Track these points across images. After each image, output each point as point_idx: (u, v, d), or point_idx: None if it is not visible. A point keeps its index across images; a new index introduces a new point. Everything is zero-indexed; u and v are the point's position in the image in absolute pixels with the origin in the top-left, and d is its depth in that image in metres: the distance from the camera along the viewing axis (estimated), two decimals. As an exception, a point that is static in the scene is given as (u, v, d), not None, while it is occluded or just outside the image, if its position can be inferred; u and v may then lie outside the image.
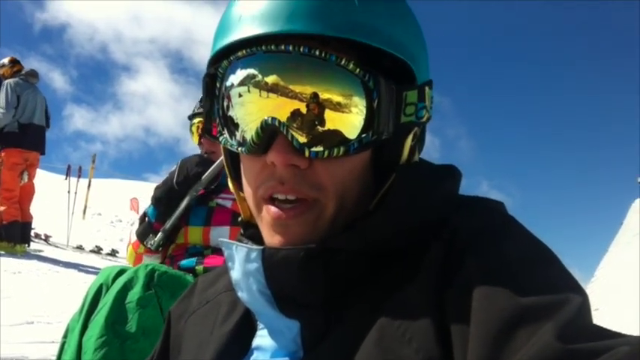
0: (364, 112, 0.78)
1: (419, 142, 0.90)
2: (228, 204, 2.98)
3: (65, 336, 2.64)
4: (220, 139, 0.87)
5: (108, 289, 2.59)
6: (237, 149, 0.83)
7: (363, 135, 0.79)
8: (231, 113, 0.83)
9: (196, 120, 3.22)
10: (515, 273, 0.70)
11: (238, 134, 0.83)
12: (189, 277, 2.74)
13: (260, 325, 0.89)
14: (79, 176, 13.43)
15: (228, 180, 0.99)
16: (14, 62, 9.02)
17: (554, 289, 0.68)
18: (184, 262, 2.90)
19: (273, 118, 0.77)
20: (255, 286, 0.82)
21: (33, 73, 9.10)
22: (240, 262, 0.83)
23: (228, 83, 0.82)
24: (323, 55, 0.76)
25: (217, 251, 2.90)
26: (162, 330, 1.09)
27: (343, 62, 0.76)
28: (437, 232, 0.79)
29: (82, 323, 2.53)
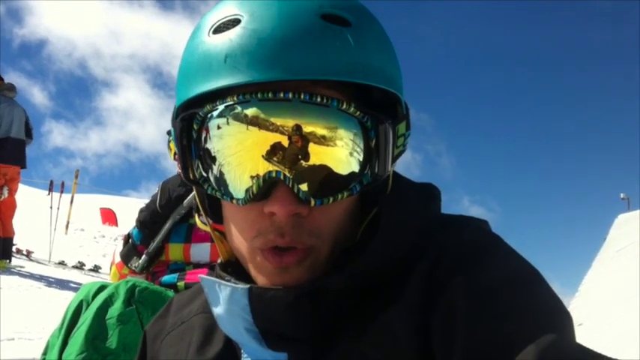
0: (362, 152, 0.77)
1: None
2: None
3: (45, 353, 2.62)
4: (205, 186, 0.81)
5: (88, 305, 2.58)
6: (230, 201, 0.79)
7: (363, 175, 0.78)
8: (209, 147, 0.79)
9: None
10: (499, 296, 0.70)
11: (216, 169, 0.79)
12: (171, 293, 2.73)
13: (244, 355, 0.88)
14: (62, 192, 13.33)
15: (201, 218, 0.95)
16: None
17: (538, 311, 0.69)
18: (166, 278, 2.90)
19: (278, 172, 0.73)
20: (242, 324, 0.80)
21: (10, 87, 9.01)
22: (224, 301, 0.81)
23: (224, 130, 0.76)
24: (325, 101, 0.73)
25: (199, 267, 2.90)
26: (139, 350, 1.08)
27: (344, 107, 0.73)
28: (422, 253, 0.79)
29: (62, 339, 2.51)
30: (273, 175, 0.74)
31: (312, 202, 0.75)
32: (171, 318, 1.04)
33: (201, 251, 2.93)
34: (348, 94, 0.77)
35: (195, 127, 0.79)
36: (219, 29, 0.77)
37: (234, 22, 0.75)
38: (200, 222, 0.95)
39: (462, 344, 0.67)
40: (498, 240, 0.81)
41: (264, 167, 0.75)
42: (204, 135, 0.79)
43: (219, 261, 0.95)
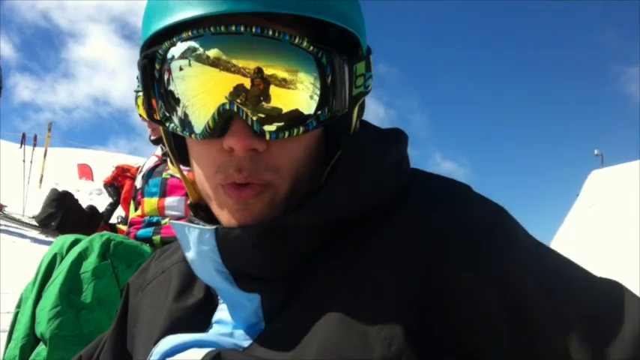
0: (319, 88, 0.77)
1: (360, 106, 0.88)
2: None
3: (18, 306, 2.61)
4: (167, 124, 0.82)
5: (62, 258, 2.56)
6: (189, 136, 0.79)
7: (319, 112, 0.77)
8: (172, 88, 0.79)
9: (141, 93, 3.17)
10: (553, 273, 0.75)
11: (179, 110, 0.79)
12: (146, 247, 2.73)
13: (221, 300, 0.88)
14: (35, 145, 13.17)
15: (171, 163, 0.94)
16: None
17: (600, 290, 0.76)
18: (141, 232, 2.90)
19: (232, 103, 0.74)
20: (212, 265, 0.81)
21: None
22: (194, 243, 0.82)
23: (179, 63, 0.77)
24: (277, 34, 0.72)
25: (175, 220, 2.88)
26: (121, 302, 1.07)
27: (297, 41, 0.73)
28: (403, 204, 0.80)
29: (36, 293, 2.51)
30: (227, 107, 0.74)
31: (267, 136, 0.75)
32: (152, 269, 1.05)
33: (175, 204, 2.93)
34: (305, 32, 0.76)
35: (157, 66, 0.80)
36: None
37: None
38: (170, 165, 0.95)
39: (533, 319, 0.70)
40: (508, 215, 0.82)
41: (220, 102, 0.75)
42: (166, 75, 0.79)
43: (188, 202, 0.96)
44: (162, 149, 3.16)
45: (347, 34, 0.79)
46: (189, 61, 0.75)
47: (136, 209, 3.14)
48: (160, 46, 0.77)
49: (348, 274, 0.76)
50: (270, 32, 0.72)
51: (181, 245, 0.87)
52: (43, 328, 2.36)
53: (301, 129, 0.76)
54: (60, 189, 4.36)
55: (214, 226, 0.79)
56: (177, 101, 0.79)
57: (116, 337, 1.04)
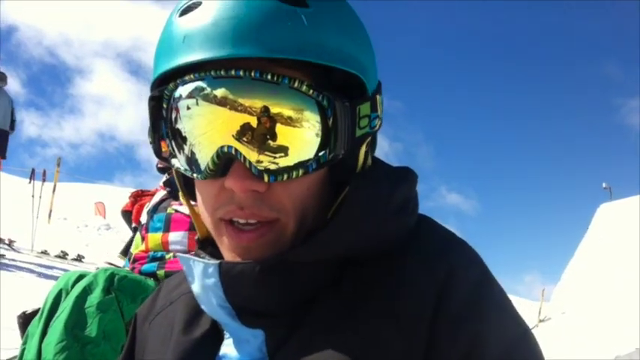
0: (320, 131, 0.77)
1: (371, 144, 0.88)
2: (187, 210, 2.97)
3: (25, 342, 2.61)
4: (173, 162, 0.84)
5: (67, 293, 2.57)
6: (192, 175, 0.81)
7: (320, 154, 0.78)
8: (179, 126, 0.80)
9: None
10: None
11: (186, 149, 0.80)
12: (150, 282, 2.75)
13: (227, 334, 0.88)
14: (44, 180, 13.23)
15: (181, 197, 0.97)
16: None
17: None
18: (145, 267, 2.92)
19: (230, 147, 0.75)
20: (215, 300, 0.82)
21: (1, 76, 8.91)
22: (199, 277, 0.83)
23: (180, 104, 0.79)
24: (275, 78, 0.73)
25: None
26: (129, 332, 1.08)
27: (296, 84, 0.74)
28: (405, 249, 0.81)
29: (42, 328, 2.51)
30: (225, 150, 0.75)
31: (266, 178, 0.75)
32: (160, 300, 1.05)
33: (179, 239, 2.95)
34: (310, 75, 0.77)
35: (164, 105, 0.81)
36: (184, 11, 0.79)
37: (197, 5, 0.77)
38: (182, 199, 0.97)
39: None
40: (500, 290, 0.83)
41: (222, 144, 0.76)
42: (173, 114, 0.80)
43: (196, 237, 0.97)
44: (167, 177, 3.19)
45: (351, 75, 0.79)
46: (197, 100, 0.77)
47: (139, 245, 3.16)
48: (166, 87, 0.79)
49: (353, 316, 0.77)
50: (269, 76, 0.73)
51: (188, 278, 0.87)
52: (48, 362, 2.36)
53: (300, 171, 0.76)
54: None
55: (218, 261, 0.80)
56: (184, 139, 0.80)
57: None
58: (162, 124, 0.83)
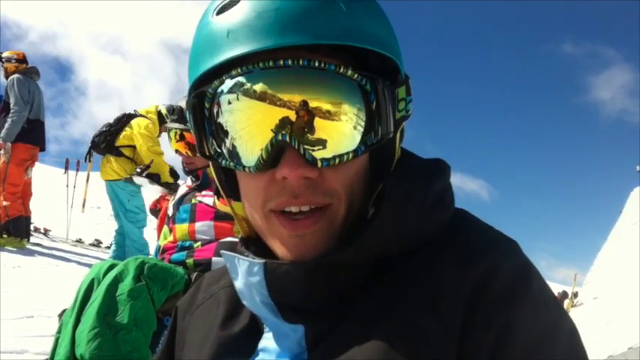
0: (364, 115, 0.79)
1: (401, 133, 0.90)
2: (210, 201, 3.04)
3: (59, 331, 2.67)
4: (220, 160, 0.84)
5: (99, 283, 2.63)
6: (242, 169, 0.82)
7: (367, 137, 0.80)
8: (221, 121, 0.81)
9: (175, 125, 3.24)
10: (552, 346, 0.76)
11: (228, 142, 0.82)
12: (180, 270, 2.79)
13: (266, 328, 0.90)
14: (78, 170, 13.38)
15: (224, 199, 0.97)
16: (22, 60, 8.94)
17: None
18: (175, 256, 2.98)
19: (284, 134, 0.76)
20: (258, 297, 0.84)
21: (36, 71, 9.01)
22: (243, 274, 0.85)
23: (231, 99, 0.80)
24: (322, 65, 0.75)
25: (206, 244, 2.95)
26: (170, 324, 1.11)
27: (342, 70, 0.76)
28: (444, 246, 0.83)
29: (75, 317, 2.58)
30: (279, 137, 0.76)
31: (320, 164, 0.78)
32: (201, 293, 1.08)
33: (205, 229, 3.00)
34: (346, 61, 0.79)
35: (206, 105, 0.82)
36: (222, 10, 0.80)
37: (235, 3, 0.79)
38: (219, 203, 0.99)
39: None
40: (540, 283, 0.82)
41: (271, 136, 0.78)
42: (215, 111, 0.82)
43: (239, 237, 0.99)
44: (192, 180, 3.25)
45: (386, 60, 0.82)
46: (238, 95, 0.78)
47: (167, 236, 3.22)
48: (210, 85, 0.81)
49: (392, 310, 0.78)
50: (317, 63, 0.75)
51: (231, 275, 0.90)
52: (82, 349, 2.42)
53: (351, 155, 0.79)
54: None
55: (263, 260, 0.82)
56: (226, 134, 0.81)
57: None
58: (205, 124, 0.84)
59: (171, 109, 3.18)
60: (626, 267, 10.98)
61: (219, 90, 0.80)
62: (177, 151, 3.23)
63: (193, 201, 3.09)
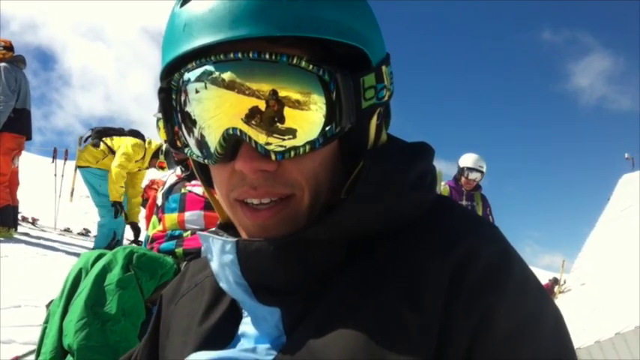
0: (324, 105, 0.77)
1: (385, 117, 0.89)
2: (200, 190, 3.04)
3: (47, 321, 2.66)
4: (186, 151, 0.85)
5: (87, 272, 2.62)
6: (203, 161, 0.83)
7: (327, 128, 0.78)
8: (188, 109, 0.81)
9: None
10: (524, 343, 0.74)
11: (196, 132, 0.82)
12: (169, 259, 2.79)
13: (245, 313, 0.90)
14: (66, 159, 13.32)
15: (201, 186, 0.98)
16: (9, 48, 8.86)
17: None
18: (164, 246, 2.97)
19: (234, 128, 0.76)
20: (232, 277, 0.83)
21: (22, 60, 8.93)
22: (217, 254, 0.85)
23: (187, 93, 0.80)
24: (273, 57, 0.74)
25: (196, 233, 2.94)
26: (155, 313, 1.10)
27: (295, 61, 0.75)
28: (425, 230, 0.81)
29: (63, 307, 2.57)
30: (231, 132, 0.76)
31: (273, 157, 0.77)
32: (186, 282, 1.08)
33: (194, 218, 3.00)
34: (310, 52, 0.78)
35: (173, 96, 0.83)
36: (184, 2, 0.81)
37: None
38: (202, 186, 0.99)
39: None
40: (522, 268, 0.82)
41: (228, 126, 0.78)
42: (182, 97, 0.82)
43: (218, 222, 0.99)
44: (181, 170, 3.24)
45: (355, 49, 0.80)
46: (205, 83, 0.78)
47: (156, 225, 3.21)
48: (172, 77, 0.81)
49: (371, 297, 0.77)
50: (267, 55, 0.74)
51: (207, 257, 0.90)
52: (70, 339, 2.42)
53: (307, 147, 0.77)
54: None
55: (236, 239, 0.82)
56: (194, 123, 0.81)
57: (149, 348, 1.07)
58: (173, 113, 0.84)
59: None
60: (614, 253, 11.07)
61: (183, 80, 0.80)
62: (166, 140, 3.22)
63: (183, 190, 3.08)
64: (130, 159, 8.26)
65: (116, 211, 8.32)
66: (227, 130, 0.77)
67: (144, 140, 8.55)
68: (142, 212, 9.50)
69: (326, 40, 0.77)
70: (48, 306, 2.79)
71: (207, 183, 0.96)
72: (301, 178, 0.80)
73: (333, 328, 0.76)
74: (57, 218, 11.87)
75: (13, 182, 8.98)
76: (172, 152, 3.27)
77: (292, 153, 0.77)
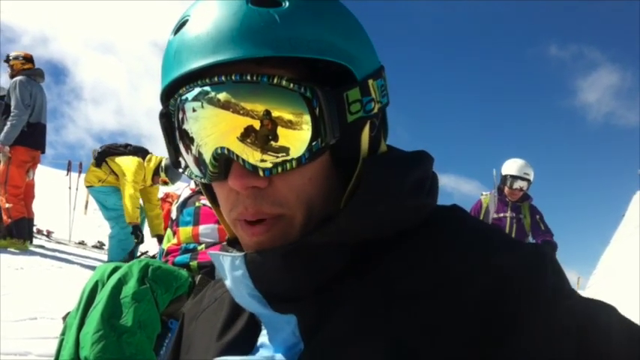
0: (309, 122, 0.79)
1: (382, 128, 0.91)
2: None
3: (63, 333, 2.68)
4: (186, 172, 0.89)
5: (103, 285, 2.64)
6: (201, 180, 0.87)
7: (313, 143, 0.79)
8: (186, 128, 0.84)
9: None
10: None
11: (194, 150, 0.84)
12: (184, 272, 2.81)
13: (263, 326, 0.92)
14: (80, 172, 13.41)
15: (208, 201, 1.01)
16: (29, 60, 8.97)
17: None
18: (179, 259, 3.00)
19: (222, 148, 0.79)
20: (246, 290, 0.85)
21: (40, 73, 9.05)
22: (228, 271, 0.86)
23: (180, 118, 0.84)
24: (255, 78, 0.77)
25: (210, 246, 2.96)
26: (177, 330, 1.13)
27: (275, 81, 0.77)
28: (431, 226, 0.84)
29: (79, 319, 2.58)
30: (219, 151, 0.80)
31: (261, 172, 0.79)
32: (206, 298, 1.10)
33: (209, 232, 3.01)
34: (295, 71, 0.81)
35: (172, 119, 0.87)
36: (176, 31, 0.85)
37: (185, 23, 0.84)
38: (209, 203, 1.01)
39: None
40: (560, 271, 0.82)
41: (216, 145, 0.81)
42: (179, 123, 0.86)
43: (226, 238, 1.01)
44: (195, 183, 3.26)
45: (337, 64, 0.81)
46: (202, 103, 0.81)
47: (171, 239, 3.23)
48: (169, 102, 0.86)
49: (386, 298, 0.78)
50: (249, 77, 0.77)
51: (221, 275, 0.91)
52: (87, 352, 2.43)
53: (294, 162, 0.79)
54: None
55: (242, 253, 0.84)
56: (191, 140, 0.84)
57: None
58: (174, 135, 0.88)
59: None
60: (630, 270, 10.97)
61: (176, 106, 0.84)
62: None
63: (197, 204, 3.10)
64: (138, 182, 8.42)
65: (136, 235, 8.47)
66: (216, 149, 0.80)
67: (145, 157, 8.69)
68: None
69: (308, 58, 0.79)
70: (64, 318, 2.81)
71: (213, 200, 0.98)
72: (291, 195, 0.82)
73: (352, 337, 0.77)
74: (72, 231, 11.93)
75: (28, 195, 9.05)
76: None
77: (280, 169, 0.79)
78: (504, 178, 7.49)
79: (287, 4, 0.80)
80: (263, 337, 0.90)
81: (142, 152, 8.74)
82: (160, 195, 9.16)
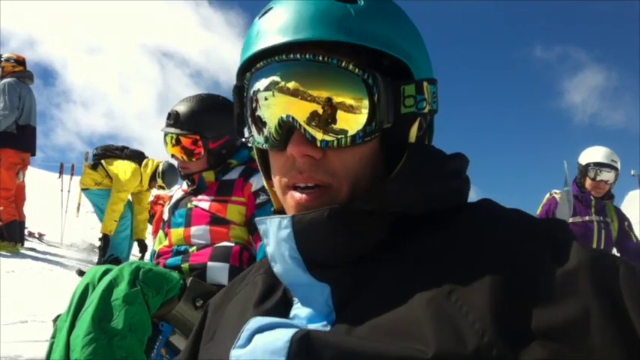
0: (367, 106, 0.89)
1: (428, 132, 1.01)
2: (206, 205, 3.05)
3: (54, 336, 2.66)
4: (250, 139, 1.00)
5: (94, 288, 2.62)
6: (263, 146, 0.96)
7: (368, 126, 0.89)
8: (259, 113, 0.95)
9: (171, 130, 3.19)
10: None
11: (266, 131, 0.94)
12: (175, 274, 2.80)
13: (295, 300, 0.97)
14: (72, 174, 13.39)
15: (263, 178, 1.10)
16: (21, 63, 8.94)
17: None
18: (170, 261, 2.99)
19: (288, 116, 0.89)
20: (287, 252, 0.90)
21: (30, 75, 9.02)
22: (274, 233, 0.93)
23: (255, 89, 0.95)
24: (325, 59, 0.88)
25: (201, 248, 2.95)
26: (197, 322, 1.16)
27: (344, 64, 0.88)
28: (468, 209, 0.91)
29: (70, 322, 2.56)
30: (284, 118, 0.90)
31: (318, 143, 0.89)
32: (237, 287, 1.14)
33: (200, 233, 3.00)
34: (361, 60, 0.90)
35: (245, 93, 0.99)
36: (262, 14, 0.96)
37: (272, 8, 0.95)
38: (262, 179, 1.11)
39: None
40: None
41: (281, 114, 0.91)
42: (253, 104, 0.96)
43: (272, 210, 1.09)
44: (187, 184, 3.24)
45: (401, 63, 0.93)
46: (273, 92, 0.92)
47: (162, 241, 3.22)
48: (245, 76, 0.97)
49: (424, 265, 0.83)
50: (320, 57, 0.88)
51: (265, 241, 0.97)
52: (77, 354, 2.41)
53: (348, 140, 0.89)
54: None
55: (290, 215, 0.91)
56: (264, 124, 0.95)
57: (188, 354, 1.11)
58: (244, 108, 1.00)
59: (168, 115, 3.15)
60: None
61: (254, 85, 0.95)
62: (173, 155, 3.21)
63: (189, 205, 3.09)
64: (128, 190, 8.55)
65: (141, 249, 8.64)
66: (282, 117, 0.90)
67: (141, 162, 8.74)
68: (149, 228, 9.54)
69: (374, 51, 0.90)
70: (55, 321, 2.79)
71: (266, 176, 1.08)
72: (341, 169, 0.91)
73: (388, 305, 0.80)
74: (63, 233, 11.89)
75: (19, 197, 9.02)
76: (179, 168, 3.23)
77: (335, 143, 0.89)
78: (585, 168, 5.76)
79: (362, 2, 0.92)
80: (295, 310, 0.94)
81: (138, 157, 8.79)
82: (151, 198, 9.16)
